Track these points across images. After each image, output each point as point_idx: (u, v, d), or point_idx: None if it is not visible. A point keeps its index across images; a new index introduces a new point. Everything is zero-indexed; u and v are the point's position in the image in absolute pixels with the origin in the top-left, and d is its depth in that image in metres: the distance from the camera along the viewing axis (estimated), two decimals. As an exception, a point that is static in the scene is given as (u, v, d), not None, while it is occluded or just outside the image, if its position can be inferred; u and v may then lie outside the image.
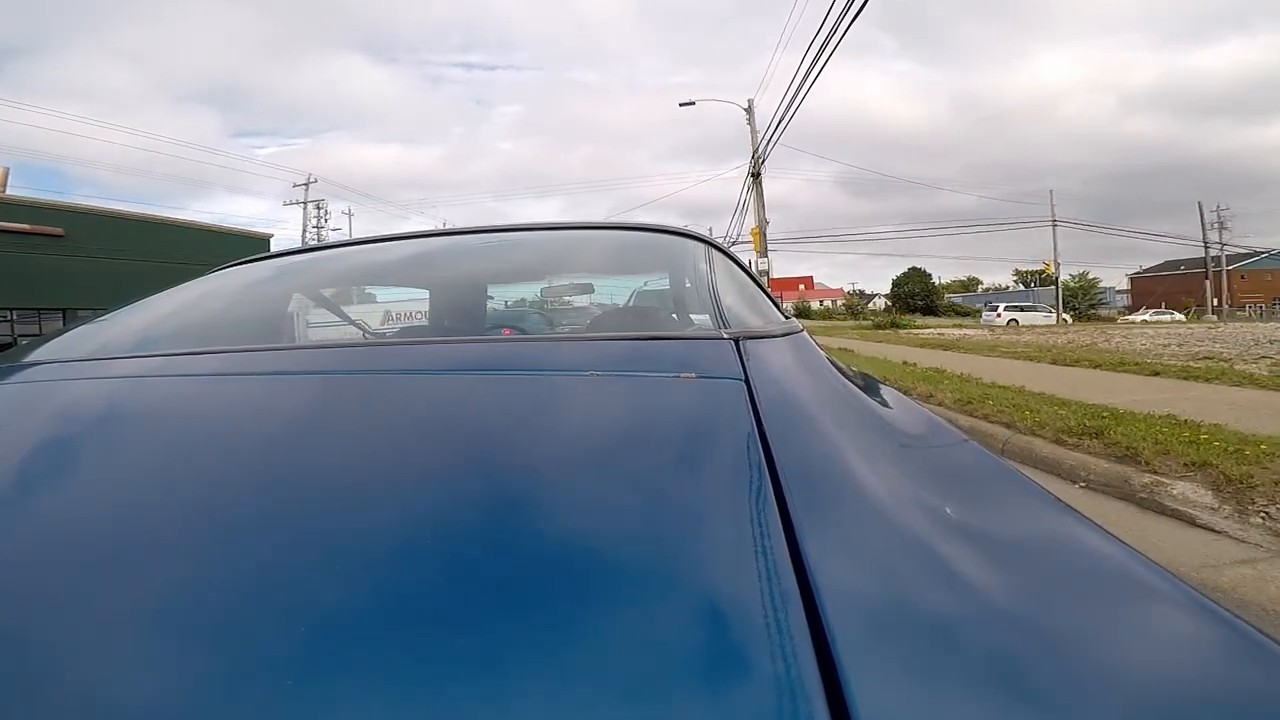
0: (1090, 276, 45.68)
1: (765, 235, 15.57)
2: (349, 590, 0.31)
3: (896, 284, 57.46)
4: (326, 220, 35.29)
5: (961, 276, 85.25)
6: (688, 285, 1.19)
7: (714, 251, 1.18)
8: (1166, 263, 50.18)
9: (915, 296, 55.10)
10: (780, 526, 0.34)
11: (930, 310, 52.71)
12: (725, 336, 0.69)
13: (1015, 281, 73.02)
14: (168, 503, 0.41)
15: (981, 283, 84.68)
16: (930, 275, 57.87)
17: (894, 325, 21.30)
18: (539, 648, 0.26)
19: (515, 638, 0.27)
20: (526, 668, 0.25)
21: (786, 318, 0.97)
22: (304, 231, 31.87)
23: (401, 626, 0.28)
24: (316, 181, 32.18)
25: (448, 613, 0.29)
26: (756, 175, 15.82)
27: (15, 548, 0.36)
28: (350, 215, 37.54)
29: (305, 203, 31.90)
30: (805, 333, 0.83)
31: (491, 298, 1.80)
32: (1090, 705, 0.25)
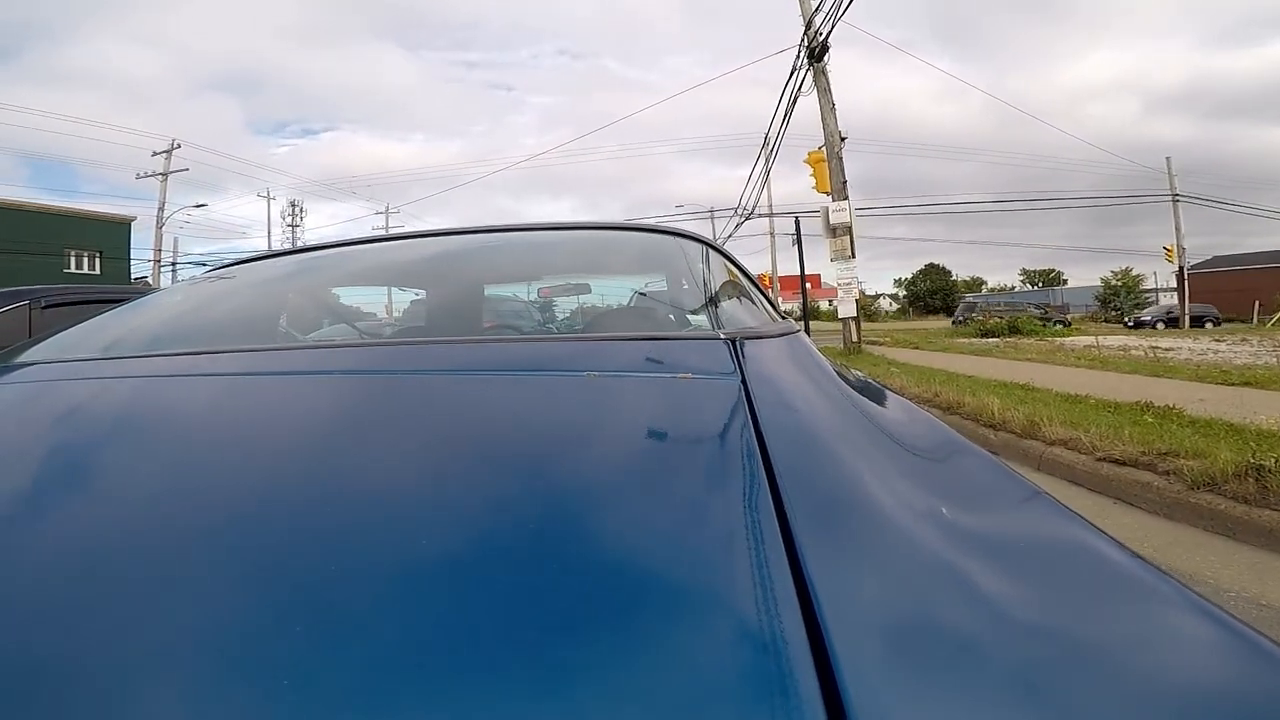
0: (1134, 273, 39.83)
1: (841, 161, 8.32)
2: (356, 589, 0.31)
3: (911, 283, 51.23)
4: (303, 217, 33.67)
5: (965, 277, 79.48)
6: (685, 285, 1.21)
7: (711, 252, 1.19)
8: (1215, 258, 44.22)
9: (934, 295, 48.78)
10: (777, 527, 0.34)
11: (950, 310, 46.47)
12: (722, 337, 0.70)
13: (1022, 281, 67.74)
14: (167, 504, 0.40)
15: (985, 282, 79.17)
16: (950, 272, 51.68)
17: (1015, 330, 14.52)
18: (530, 649, 0.26)
19: (506, 639, 0.26)
20: (517, 669, 0.25)
21: (783, 317, 0.94)
22: (161, 208, 23.61)
23: (400, 624, 0.28)
24: (180, 147, 23.87)
25: (444, 611, 0.29)
26: (817, 56, 8.59)
27: (16, 548, 0.35)
28: (271, 197, 31.49)
29: (166, 174, 23.55)
30: (802, 333, 0.82)
31: (488, 298, 1.76)
32: (1089, 710, 0.24)
